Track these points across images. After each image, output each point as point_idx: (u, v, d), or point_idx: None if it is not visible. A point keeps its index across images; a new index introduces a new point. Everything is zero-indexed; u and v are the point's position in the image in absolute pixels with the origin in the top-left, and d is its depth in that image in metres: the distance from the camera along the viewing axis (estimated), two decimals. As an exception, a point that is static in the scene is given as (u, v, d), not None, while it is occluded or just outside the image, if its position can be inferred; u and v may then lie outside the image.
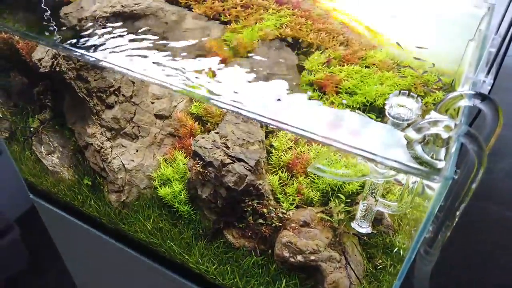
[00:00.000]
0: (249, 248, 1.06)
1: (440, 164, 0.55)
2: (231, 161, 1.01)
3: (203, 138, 1.08)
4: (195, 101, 1.19)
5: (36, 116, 1.34)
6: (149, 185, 1.19)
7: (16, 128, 1.43)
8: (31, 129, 1.36)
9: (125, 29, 0.99)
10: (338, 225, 0.98)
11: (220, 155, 1.01)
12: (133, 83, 1.15)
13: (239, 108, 0.68)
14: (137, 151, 1.19)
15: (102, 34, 0.96)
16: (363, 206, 0.82)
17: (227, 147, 1.04)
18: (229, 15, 1.14)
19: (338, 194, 1.05)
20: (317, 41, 1.09)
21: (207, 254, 1.11)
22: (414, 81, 0.93)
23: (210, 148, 1.03)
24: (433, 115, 0.60)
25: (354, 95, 0.91)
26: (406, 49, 1.01)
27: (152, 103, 1.19)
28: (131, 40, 0.94)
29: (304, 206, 1.07)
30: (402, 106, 0.68)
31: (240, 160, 1.02)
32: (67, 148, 1.32)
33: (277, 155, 1.13)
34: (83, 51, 0.86)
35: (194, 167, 1.06)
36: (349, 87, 0.92)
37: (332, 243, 0.98)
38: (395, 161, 0.55)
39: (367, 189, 0.78)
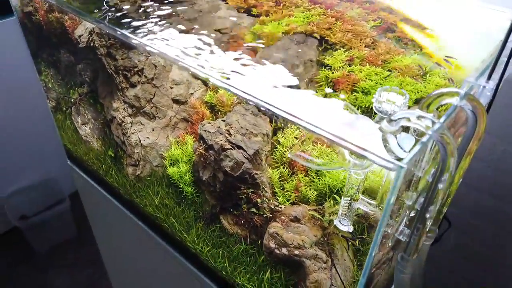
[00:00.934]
0: (241, 236, 1.10)
1: (403, 154, 0.54)
2: (230, 147, 1.05)
3: (209, 123, 1.13)
4: (209, 90, 1.25)
5: (76, 89, 1.50)
6: (160, 163, 1.28)
7: (61, 99, 1.62)
8: (72, 100, 1.53)
9: (160, 12, 1.08)
10: (328, 225, 0.98)
11: (221, 140, 1.05)
12: (155, 66, 1.24)
13: (233, 87, 0.71)
14: (153, 130, 1.28)
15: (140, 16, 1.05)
16: (345, 202, 0.81)
17: (230, 134, 1.08)
18: (261, 9, 1.18)
19: (335, 196, 1.04)
20: (343, 39, 1.08)
21: (203, 236, 1.17)
22: (436, 89, 0.90)
23: (213, 133, 1.08)
24: (414, 110, 0.59)
25: (369, 95, 0.90)
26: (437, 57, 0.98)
27: (171, 88, 1.28)
28: (163, 24, 1.02)
29: (300, 203, 1.07)
30: (390, 101, 0.67)
31: (239, 147, 1.05)
32: (98, 121, 1.46)
33: (282, 151, 1.15)
34: (124, 31, 0.95)
35: (198, 149, 1.12)
36: (365, 87, 0.91)
37: (320, 243, 0.98)
38: (349, 142, 0.55)
39: (348, 184, 0.77)
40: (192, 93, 1.29)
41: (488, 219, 1.51)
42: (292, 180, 1.10)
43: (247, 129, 1.11)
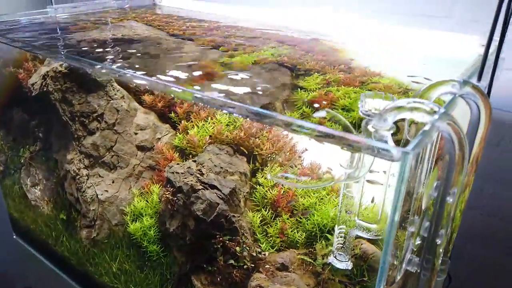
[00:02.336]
0: (218, 298, 0.92)
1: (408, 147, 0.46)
2: (202, 188, 0.93)
3: (178, 164, 1.03)
4: (178, 133, 1.18)
5: (28, 147, 1.38)
6: (121, 221, 1.13)
7: (10, 161, 1.48)
8: (22, 160, 1.39)
9: (124, 50, 1.04)
10: (322, 269, 0.83)
11: (191, 181, 0.94)
12: (118, 110, 1.17)
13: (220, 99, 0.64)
14: (113, 182, 1.15)
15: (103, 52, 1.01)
16: (339, 231, 0.69)
17: (201, 174, 0.97)
18: (229, 46, 1.18)
19: (327, 235, 0.92)
20: (317, 67, 1.07)
21: None
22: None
23: (182, 173, 0.97)
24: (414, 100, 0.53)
25: (351, 111, 0.85)
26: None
27: (136, 133, 1.19)
28: (125, 58, 0.98)
29: (287, 249, 0.94)
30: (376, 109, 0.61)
31: (213, 187, 0.94)
32: (50, 180, 1.31)
33: (262, 191, 1.04)
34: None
35: (164, 195, 0.99)
36: (345, 105, 0.87)
37: (314, 294, 0.82)
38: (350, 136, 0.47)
39: (341, 208, 0.67)
40: (159, 138, 1.21)
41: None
42: (276, 224, 0.98)
43: (221, 167, 1.02)
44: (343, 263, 0.71)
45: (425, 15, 1.30)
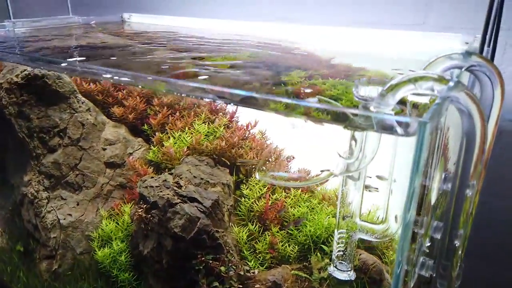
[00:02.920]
0: (202, 329, 0.81)
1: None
2: (180, 201, 0.84)
3: (152, 177, 0.93)
4: (152, 146, 1.09)
5: (-20, 173, 1.24)
6: (87, 249, 1.00)
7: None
8: (-28, 189, 1.25)
9: (91, 55, 0.96)
10: (320, 285, 0.75)
11: (167, 194, 0.85)
12: (83, 124, 1.07)
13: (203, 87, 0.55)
14: (77, 204, 1.03)
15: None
16: (339, 237, 0.61)
17: (179, 186, 0.88)
18: (205, 50, 1.10)
19: (322, 246, 0.84)
20: (298, 64, 1.03)
21: None
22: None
23: (157, 186, 0.88)
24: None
25: (340, 100, 0.80)
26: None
27: (104, 149, 1.09)
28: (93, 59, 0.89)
29: (277, 266, 0.84)
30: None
31: (192, 199, 0.85)
32: (5, 208, 1.17)
33: (248, 203, 0.95)
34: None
35: (136, 213, 0.89)
36: (333, 95, 0.82)
37: (314, 314, 0.73)
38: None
39: (339, 208, 0.59)
40: (131, 153, 1.11)
41: None
42: (265, 238, 0.89)
43: (201, 179, 0.93)
44: (345, 273, 0.63)
45: (403, 24, 1.30)
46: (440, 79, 0.44)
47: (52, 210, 1.02)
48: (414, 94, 0.46)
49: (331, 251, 0.81)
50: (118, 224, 0.99)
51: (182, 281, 0.84)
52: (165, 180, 0.90)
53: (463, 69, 0.50)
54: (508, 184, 1.17)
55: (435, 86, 0.43)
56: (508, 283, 1.27)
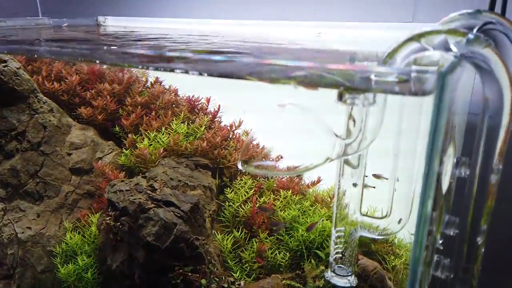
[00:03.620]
0: None
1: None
2: (154, 206, 0.75)
3: (122, 181, 0.84)
4: (124, 148, 0.99)
5: None
6: (49, 266, 0.89)
7: None
8: None
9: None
10: (317, 296, 0.66)
11: (139, 198, 0.76)
12: (44, 127, 0.97)
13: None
14: (38, 216, 0.93)
15: None
16: (337, 236, 0.53)
17: (153, 190, 0.79)
18: (126, 125, 1.01)
19: (316, 252, 0.75)
20: (285, 49, 0.96)
21: None
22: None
23: (128, 190, 0.78)
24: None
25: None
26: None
27: (69, 154, 0.99)
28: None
29: (266, 276, 0.75)
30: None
31: (168, 204, 0.76)
32: (-45, 226, 1.05)
33: (232, 208, 0.87)
34: None
35: (104, 222, 0.79)
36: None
37: (311, 330, 0.64)
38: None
39: (336, 202, 0.51)
40: (100, 158, 1.01)
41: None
42: (252, 246, 0.80)
43: (179, 181, 0.84)
44: (345, 279, 0.55)
45: (392, 21, 1.27)
46: (454, 32, 0.37)
47: (8, 223, 0.91)
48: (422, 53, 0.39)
49: (327, 257, 0.73)
50: (84, 236, 0.89)
51: (157, 299, 0.74)
52: (138, 184, 0.81)
53: (475, 29, 0.44)
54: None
55: (450, 40, 0.37)
56: None
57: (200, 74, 0.43)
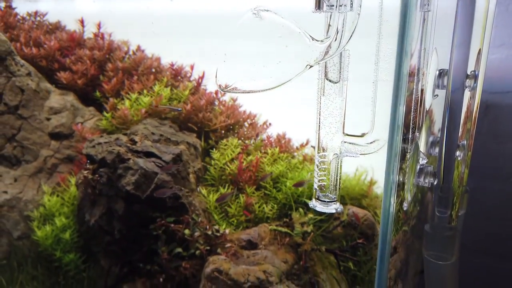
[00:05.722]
0: (163, 308, 0.70)
1: None
2: (134, 156, 0.75)
3: (101, 136, 0.85)
4: (105, 112, 1.00)
5: None
6: (26, 232, 0.89)
7: None
8: None
9: None
10: (303, 239, 0.66)
11: (118, 149, 0.76)
12: (22, 90, 0.98)
13: None
14: (15, 180, 0.93)
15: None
16: (320, 161, 0.54)
17: (133, 143, 0.80)
18: (107, 89, 1.02)
19: (305, 200, 0.76)
20: None
21: None
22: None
23: (106, 143, 0.79)
24: None
25: None
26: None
27: (48, 119, 1.00)
28: None
29: (253, 227, 0.76)
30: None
31: (149, 154, 0.76)
32: None
33: (218, 167, 0.87)
34: None
35: (81, 177, 0.79)
36: None
37: (294, 273, 0.64)
38: None
39: (320, 118, 0.52)
40: (81, 123, 1.02)
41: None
42: (239, 201, 0.80)
43: (161, 135, 0.85)
44: (331, 205, 0.55)
45: None
46: None
47: (-17, 188, 0.91)
48: None
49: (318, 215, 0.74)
50: (63, 199, 0.89)
51: (137, 253, 0.74)
52: (118, 139, 0.82)
53: None
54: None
55: None
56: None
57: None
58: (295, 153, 0.94)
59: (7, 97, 0.96)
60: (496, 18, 1.00)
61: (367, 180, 0.84)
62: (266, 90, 0.46)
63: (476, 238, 1.21)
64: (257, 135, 0.99)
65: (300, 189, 0.79)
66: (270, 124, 1.04)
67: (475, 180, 1.17)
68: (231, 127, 1.04)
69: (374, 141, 0.52)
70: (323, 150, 0.54)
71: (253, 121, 1.05)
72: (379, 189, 0.86)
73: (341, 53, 0.48)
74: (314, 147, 0.57)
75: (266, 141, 0.95)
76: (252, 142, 0.97)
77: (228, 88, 0.53)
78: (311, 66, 0.46)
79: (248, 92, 0.49)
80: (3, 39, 0.98)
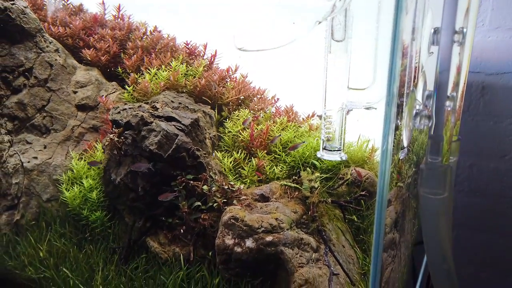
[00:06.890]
0: (182, 254, 0.78)
1: None
2: (157, 119, 0.84)
3: (125, 104, 0.93)
4: (127, 86, 1.08)
5: None
6: (54, 195, 0.98)
7: None
8: None
9: None
10: (311, 192, 0.74)
11: (142, 114, 0.85)
12: (51, 65, 1.07)
13: None
14: (45, 147, 1.02)
15: None
16: (327, 114, 0.61)
17: (155, 109, 0.88)
18: (128, 65, 1.10)
19: (313, 161, 0.84)
20: None
21: (113, 282, 0.82)
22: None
23: (131, 108, 0.88)
24: None
25: None
26: None
27: (75, 92, 1.09)
28: None
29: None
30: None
31: (170, 119, 0.85)
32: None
33: (231, 134, 0.96)
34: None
35: (108, 141, 0.88)
36: None
37: (303, 222, 0.72)
38: None
39: (327, 76, 0.60)
40: (105, 96, 1.11)
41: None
42: (251, 164, 0.88)
43: (180, 103, 0.93)
44: (336, 154, 0.63)
45: None
46: None
47: (14, 154, 1.00)
48: None
49: (322, 165, 0.82)
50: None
51: (160, 208, 0.83)
52: (140, 106, 0.90)
53: None
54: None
55: None
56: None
57: None
58: (302, 125, 1.02)
59: (37, 71, 1.06)
60: (492, 1, 1.06)
61: (369, 148, 0.92)
62: (282, 46, 0.54)
63: (472, 215, 1.27)
64: (266, 108, 1.07)
65: (307, 152, 0.86)
66: (278, 98, 1.12)
67: (471, 158, 1.24)
68: (242, 101, 1.12)
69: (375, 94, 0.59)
70: (330, 104, 0.62)
71: (262, 95, 1.13)
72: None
73: (346, 13, 0.56)
74: (320, 116, 0.65)
75: (275, 112, 1.03)
76: (261, 114, 1.05)
77: (246, 48, 0.61)
78: (319, 22, 0.54)
79: (268, 49, 0.56)
80: (33, 17, 1.08)
